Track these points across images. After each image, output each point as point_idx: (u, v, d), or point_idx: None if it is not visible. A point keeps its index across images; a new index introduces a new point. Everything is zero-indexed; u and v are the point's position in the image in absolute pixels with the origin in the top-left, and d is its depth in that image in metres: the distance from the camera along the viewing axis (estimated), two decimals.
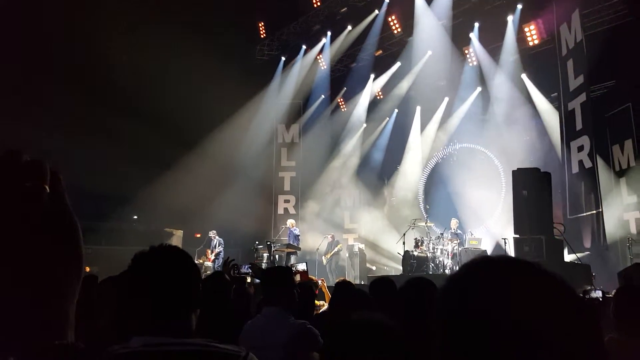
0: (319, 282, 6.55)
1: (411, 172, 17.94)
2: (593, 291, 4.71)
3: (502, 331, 0.83)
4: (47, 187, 0.79)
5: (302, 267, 6.81)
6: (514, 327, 0.82)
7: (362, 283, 13.17)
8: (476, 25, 15.36)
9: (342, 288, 4.21)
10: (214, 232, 15.61)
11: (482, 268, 0.93)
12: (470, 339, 0.85)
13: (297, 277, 5.88)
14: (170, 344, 1.69)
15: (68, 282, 0.79)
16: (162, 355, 1.67)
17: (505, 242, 11.41)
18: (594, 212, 11.27)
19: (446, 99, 17.01)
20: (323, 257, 15.61)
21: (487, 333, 0.84)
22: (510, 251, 10.58)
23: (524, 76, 14.88)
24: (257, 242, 15.87)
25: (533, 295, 0.86)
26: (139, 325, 1.77)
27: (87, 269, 14.29)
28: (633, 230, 11.38)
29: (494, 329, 0.83)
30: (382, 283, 3.97)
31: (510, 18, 14.51)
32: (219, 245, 15.37)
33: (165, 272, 1.81)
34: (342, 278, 8.71)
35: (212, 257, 15.16)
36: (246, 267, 6.12)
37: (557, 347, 0.82)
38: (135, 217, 19.65)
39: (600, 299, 4.49)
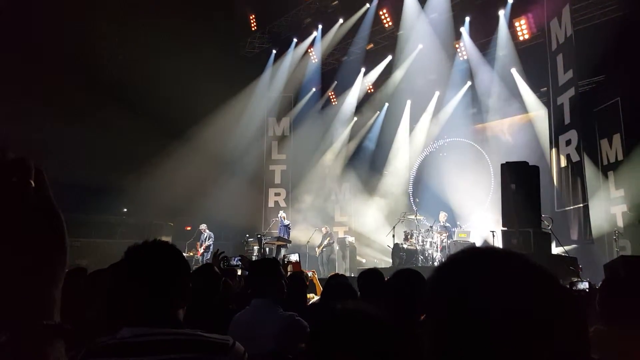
0: (310, 274, 6.56)
1: (401, 166, 17.99)
2: (580, 283, 4.76)
3: (491, 322, 0.84)
4: (32, 182, 0.85)
5: (294, 257, 6.81)
6: (504, 318, 0.84)
7: (353, 276, 13.20)
8: (467, 19, 15.39)
9: (335, 281, 4.23)
10: (204, 225, 15.55)
11: (470, 260, 0.94)
12: (461, 330, 0.87)
13: (290, 268, 5.89)
14: (158, 334, 1.75)
15: (54, 268, 0.85)
16: (151, 345, 1.71)
17: (493, 235, 11.48)
18: (581, 205, 11.37)
19: (436, 93, 17.04)
20: (317, 249, 15.64)
21: (476, 323, 0.85)
22: (499, 244, 10.64)
23: (513, 70, 14.93)
24: (247, 235, 15.89)
25: (521, 286, 0.87)
26: (128, 316, 1.81)
27: (77, 262, 14.25)
28: (620, 223, 11.49)
29: (483, 320, 0.85)
30: (370, 274, 3.99)
31: (501, 12, 14.54)
32: (208, 239, 15.31)
33: (155, 266, 1.86)
34: (335, 273, 8.75)
35: (202, 250, 15.09)
36: (236, 259, 6.11)
37: (547, 336, 0.84)
38: (125, 209, 19.56)
39: (587, 290, 4.54)
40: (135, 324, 1.77)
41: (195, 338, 1.77)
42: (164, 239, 2.30)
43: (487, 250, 0.96)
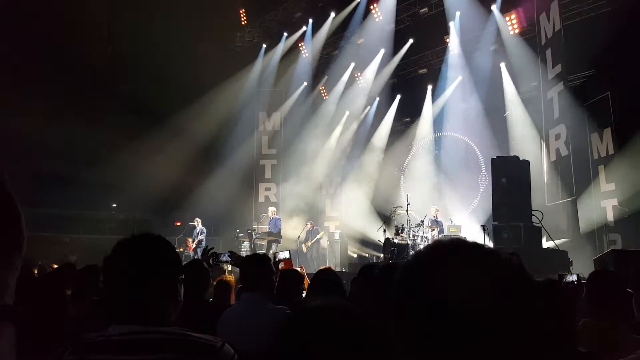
0: (298, 269, 6.53)
1: (392, 161, 18.00)
2: (568, 275, 4.77)
3: (449, 312, 0.86)
4: None
5: (284, 255, 6.78)
6: (460, 307, 0.86)
7: (343, 270, 13.23)
8: (457, 13, 15.38)
9: (321, 275, 4.22)
10: (199, 220, 15.40)
11: (431, 254, 0.98)
12: (417, 319, 0.90)
13: (281, 265, 5.86)
14: (147, 332, 1.70)
15: (9, 255, 0.91)
16: (140, 343, 1.68)
17: (484, 229, 11.51)
18: (570, 199, 11.42)
19: (427, 87, 17.03)
20: (303, 245, 15.62)
21: (433, 314, 0.87)
22: (490, 238, 10.67)
23: (502, 65, 14.97)
24: (237, 230, 15.84)
25: (474, 276, 0.89)
26: (116, 313, 1.77)
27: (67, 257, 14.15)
28: (610, 217, 11.53)
29: (440, 311, 0.87)
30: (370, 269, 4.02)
31: (493, 7, 14.54)
32: (201, 234, 15.18)
33: (144, 260, 1.79)
34: (326, 266, 8.72)
35: (194, 245, 14.93)
36: (225, 255, 6.07)
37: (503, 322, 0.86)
38: (114, 205, 19.47)
39: (575, 283, 4.55)
40: (123, 322, 1.72)
41: (183, 338, 1.72)
42: None
43: (448, 244, 0.98)
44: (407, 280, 0.95)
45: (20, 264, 0.93)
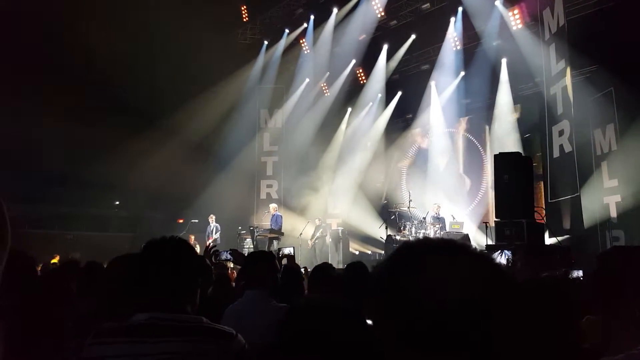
0: (302, 270, 6.52)
1: (394, 157, 17.97)
2: (574, 271, 4.75)
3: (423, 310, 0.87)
4: None
5: (288, 251, 6.77)
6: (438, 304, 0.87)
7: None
8: (460, 9, 15.32)
9: (320, 272, 4.23)
10: (213, 216, 15.42)
11: (404, 253, 0.99)
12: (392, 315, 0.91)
13: (284, 262, 5.86)
14: (172, 319, 1.91)
15: None
16: (168, 327, 1.88)
17: (486, 226, 11.49)
18: (573, 195, 11.37)
19: (430, 83, 16.96)
20: (309, 241, 15.62)
21: (408, 311, 0.89)
22: (492, 235, 10.65)
23: (503, 61, 14.94)
24: (240, 228, 15.83)
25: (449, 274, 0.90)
26: (143, 303, 1.97)
27: (69, 255, 14.18)
28: (613, 214, 11.49)
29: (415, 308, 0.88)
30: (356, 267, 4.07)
31: (497, 2, 14.45)
32: (216, 232, 15.21)
33: (171, 260, 2.00)
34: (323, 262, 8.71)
35: (211, 243, 14.85)
36: (226, 253, 6.08)
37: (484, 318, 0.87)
38: (117, 202, 19.49)
39: (581, 279, 4.53)
40: (149, 310, 1.92)
41: (207, 325, 1.96)
42: (156, 232, 2.49)
43: (421, 243, 1.01)
44: (387, 278, 0.96)
45: (6, 257, 0.93)
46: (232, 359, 1.93)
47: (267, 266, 3.56)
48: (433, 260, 0.93)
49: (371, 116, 18.43)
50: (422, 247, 0.98)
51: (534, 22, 13.67)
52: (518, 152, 10.63)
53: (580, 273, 4.67)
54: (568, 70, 11.51)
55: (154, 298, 1.95)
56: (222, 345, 1.91)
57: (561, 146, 11.91)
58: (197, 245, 14.64)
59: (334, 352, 1.21)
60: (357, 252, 16.61)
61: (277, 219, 14.82)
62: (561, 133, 11.89)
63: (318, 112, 18.80)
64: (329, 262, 14.25)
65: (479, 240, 13.47)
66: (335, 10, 17.24)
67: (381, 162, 18.05)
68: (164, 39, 15.95)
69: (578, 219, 11.28)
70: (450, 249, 0.95)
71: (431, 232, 13.03)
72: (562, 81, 11.80)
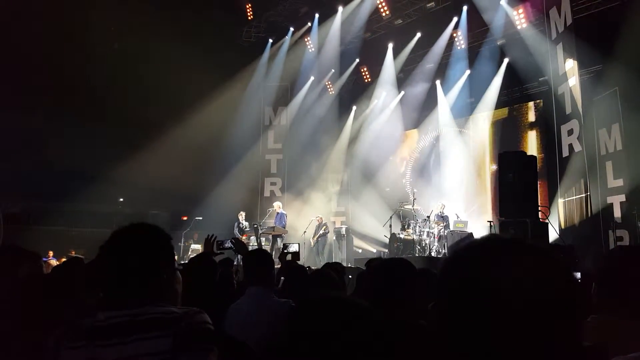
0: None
1: (398, 156, 17.96)
2: (576, 272, 4.75)
3: (505, 308, 0.86)
4: None
5: (294, 248, 6.76)
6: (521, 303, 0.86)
7: (350, 265, 13.22)
8: (464, 8, 15.28)
9: (320, 271, 4.23)
10: (243, 213, 15.53)
11: (483, 245, 0.97)
12: (469, 310, 0.89)
13: (289, 258, 5.87)
14: (130, 315, 1.74)
15: None
16: (120, 327, 1.71)
17: (491, 225, 11.48)
18: (582, 195, 11.32)
19: (434, 82, 16.94)
20: (311, 240, 15.62)
21: (489, 308, 0.87)
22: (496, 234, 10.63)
23: (505, 61, 14.94)
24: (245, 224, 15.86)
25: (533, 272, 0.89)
26: (107, 299, 1.87)
27: (73, 252, 14.24)
28: (617, 214, 11.46)
29: (496, 305, 0.87)
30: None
31: (502, 1, 14.41)
32: (247, 229, 15.24)
33: (133, 247, 1.82)
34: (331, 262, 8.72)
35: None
36: (228, 242, 6.10)
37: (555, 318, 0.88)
38: (121, 199, 19.53)
39: (587, 276, 4.52)
40: (111, 308, 1.76)
41: (161, 316, 1.75)
42: None
43: (499, 238, 0.98)
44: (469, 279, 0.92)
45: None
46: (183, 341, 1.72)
47: (266, 263, 3.66)
48: (517, 261, 0.91)
49: (376, 114, 18.41)
50: (499, 245, 0.96)
51: (538, 21, 13.62)
52: (522, 151, 10.62)
53: (578, 275, 4.66)
54: (576, 69, 11.44)
55: (118, 292, 1.79)
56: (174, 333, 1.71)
57: (570, 145, 11.83)
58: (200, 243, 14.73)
59: (345, 354, 1.20)
60: (360, 251, 16.61)
61: (281, 218, 14.82)
62: (570, 132, 11.81)
63: (323, 110, 18.80)
64: (333, 260, 14.34)
65: None
66: (340, 8, 17.21)
67: (386, 160, 18.02)
68: (166, 40, 15.95)
69: (584, 218, 11.24)
70: (529, 250, 0.94)
71: (435, 230, 13.02)
72: (570, 80, 11.74)
